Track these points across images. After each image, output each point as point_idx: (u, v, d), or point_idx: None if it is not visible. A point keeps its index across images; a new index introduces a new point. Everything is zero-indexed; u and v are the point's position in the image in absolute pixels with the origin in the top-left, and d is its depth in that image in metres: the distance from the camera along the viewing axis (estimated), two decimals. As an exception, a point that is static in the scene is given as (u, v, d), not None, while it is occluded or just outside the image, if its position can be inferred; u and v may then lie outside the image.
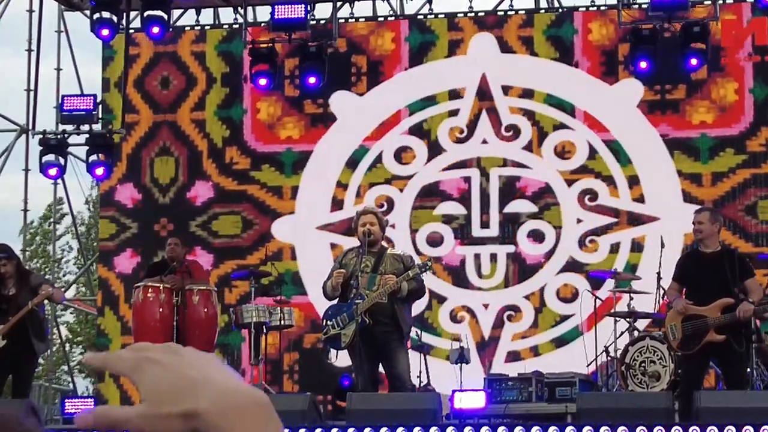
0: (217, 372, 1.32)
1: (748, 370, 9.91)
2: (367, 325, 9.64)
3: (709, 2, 13.62)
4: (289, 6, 13.42)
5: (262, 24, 14.68)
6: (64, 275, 27.81)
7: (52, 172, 14.14)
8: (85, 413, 1.30)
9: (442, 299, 14.08)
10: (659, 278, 11.23)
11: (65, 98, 14.22)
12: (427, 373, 12.03)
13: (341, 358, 10.56)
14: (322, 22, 14.44)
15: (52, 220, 19.59)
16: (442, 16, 14.75)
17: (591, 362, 11.74)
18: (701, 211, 10.38)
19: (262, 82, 13.84)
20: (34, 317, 10.92)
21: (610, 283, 12.23)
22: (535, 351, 13.87)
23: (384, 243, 10.26)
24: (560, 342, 13.84)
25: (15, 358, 10.86)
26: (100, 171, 14.03)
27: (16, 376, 11.06)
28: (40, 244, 28.77)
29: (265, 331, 11.86)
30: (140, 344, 1.37)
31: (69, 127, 14.19)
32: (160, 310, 11.57)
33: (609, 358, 11.53)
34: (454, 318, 14.07)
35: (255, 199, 14.69)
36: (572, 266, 14.00)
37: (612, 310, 11.68)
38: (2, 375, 11.11)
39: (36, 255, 27.85)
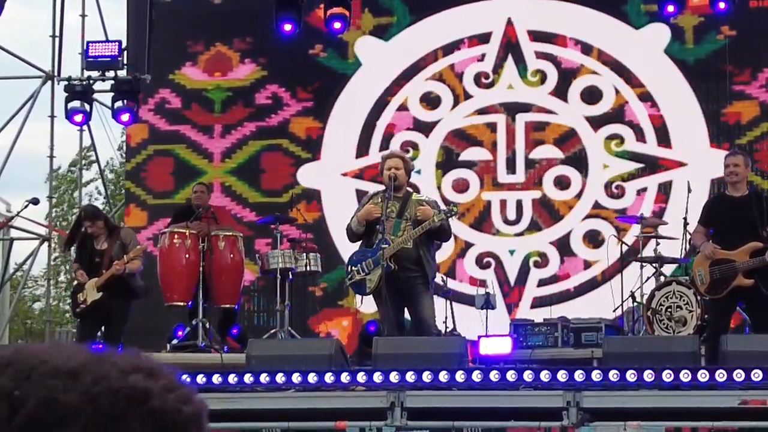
0: None
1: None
2: (393, 270, 9.62)
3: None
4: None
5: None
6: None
7: (78, 118, 14.14)
8: None
9: (468, 245, 14.05)
10: (686, 223, 11.17)
11: (90, 44, 14.19)
12: (453, 318, 12.04)
13: (366, 305, 10.53)
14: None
15: (78, 167, 19.53)
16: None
17: (617, 308, 11.72)
18: (736, 154, 10.30)
19: (287, 27, 13.75)
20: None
21: (636, 229, 12.18)
22: (561, 297, 13.84)
23: (409, 188, 10.18)
24: (586, 288, 13.81)
25: (109, 310, 11.09)
26: (125, 117, 14.00)
27: (109, 328, 11.29)
28: (65, 192, 28.76)
29: (291, 276, 11.87)
30: None
31: (94, 74, 14.18)
32: (186, 255, 11.60)
33: (635, 303, 11.50)
34: (479, 264, 14.05)
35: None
36: (598, 212, 13.95)
37: (639, 256, 11.64)
38: (97, 326, 11.35)
39: (61, 202, 27.87)
